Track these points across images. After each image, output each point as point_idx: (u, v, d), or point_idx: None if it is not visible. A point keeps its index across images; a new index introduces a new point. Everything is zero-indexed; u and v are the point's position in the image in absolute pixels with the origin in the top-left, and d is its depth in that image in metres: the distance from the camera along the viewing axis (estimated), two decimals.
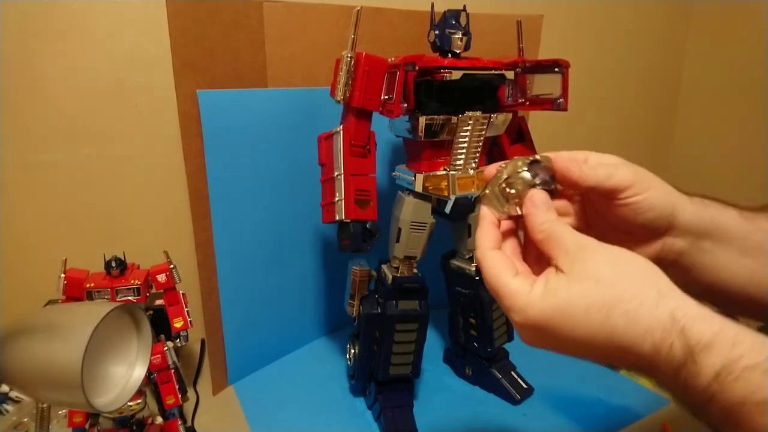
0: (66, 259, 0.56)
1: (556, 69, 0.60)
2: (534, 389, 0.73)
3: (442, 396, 0.73)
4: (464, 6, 0.61)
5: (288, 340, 0.82)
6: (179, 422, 0.63)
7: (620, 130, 1.21)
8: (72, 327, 0.38)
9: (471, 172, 0.63)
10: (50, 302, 0.66)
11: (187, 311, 0.61)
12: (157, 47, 0.67)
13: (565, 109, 0.61)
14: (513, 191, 0.34)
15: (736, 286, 0.37)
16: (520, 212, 0.34)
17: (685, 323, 0.26)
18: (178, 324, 0.61)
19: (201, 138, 0.62)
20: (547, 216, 0.33)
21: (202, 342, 0.81)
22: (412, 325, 0.65)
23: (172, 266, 0.59)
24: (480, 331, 0.72)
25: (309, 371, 0.78)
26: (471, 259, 0.70)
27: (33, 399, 0.57)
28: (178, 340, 0.61)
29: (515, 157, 0.36)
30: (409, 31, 0.76)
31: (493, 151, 0.69)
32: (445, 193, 0.61)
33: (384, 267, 0.67)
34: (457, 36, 0.60)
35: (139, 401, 0.57)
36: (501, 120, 0.63)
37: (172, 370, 0.60)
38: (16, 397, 0.66)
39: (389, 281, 0.64)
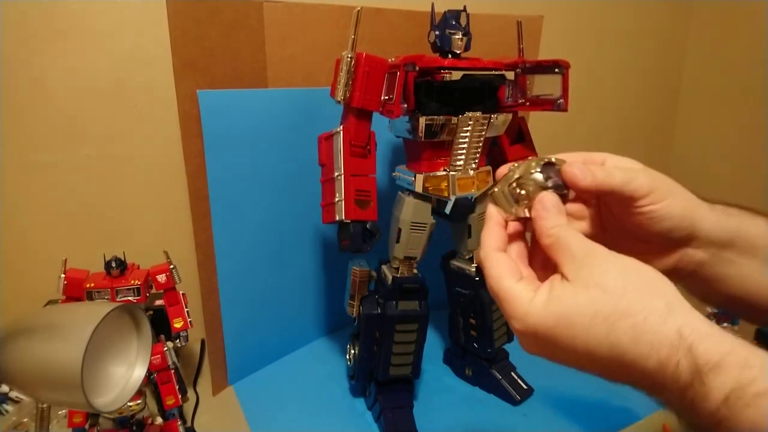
0: (66, 259, 0.56)
1: (557, 69, 0.60)
2: (534, 390, 0.73)
3: (442, 397, 0.73)
4: (464, 6, 0.61)
5: (288, 340, 0.82)
6: (179, 422, 0.63)
7: (620, 130, 1.21)
8: (72, 327, 0.38)
9: (471, 172, 0.63)
10: (50, 302, 0.66)
11: (187, 311, 0.62)
12: (157, 47, 0.67)
13: (566, 110, 0.61)
14: (523, 192, 0.33)
15: (760, 297, 0.35)
16: (528, 214, 0.33)
17: (693, 341, 0.25)
18: (178, 324, 0.61)
19: (201, 138, 0.62)
20: (556, 220, 0.31)
21: (202, 342, 0.81)
22: (412, 326, 0.65)
23: (172, 266, 0.59)
24: (480, 332, 0.72)
25: (309, 371, 0.78)
26: (471, 260, 0.70)
27: (33, 399, 0.57)
28: (178, 341, 0.62)
29: (529, 158, 0.34)
30: (409, 31, 0.76)
31: (493, 152, 0.69)
32: (445, 194, 0.61)
33: (384, 267, 0.67)
34: (457, 36, 0.60)
35: (139, 401, 0.57)
36: (501, 120, 0.63)
37: (172, 371, 0.61)
38: (16, 397, 0.65)
39: (389, 282, 0.64)
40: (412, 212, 0.62)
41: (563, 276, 0.29)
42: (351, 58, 0.55)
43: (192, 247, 0.67)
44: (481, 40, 0.63)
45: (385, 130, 0.64)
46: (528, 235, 0.35)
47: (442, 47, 0.61)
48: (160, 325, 0.60)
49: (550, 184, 0.33)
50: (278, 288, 0.77)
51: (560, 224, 0.31)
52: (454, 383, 0.77)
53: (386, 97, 0.57)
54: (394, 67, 0.56)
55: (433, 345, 0.83)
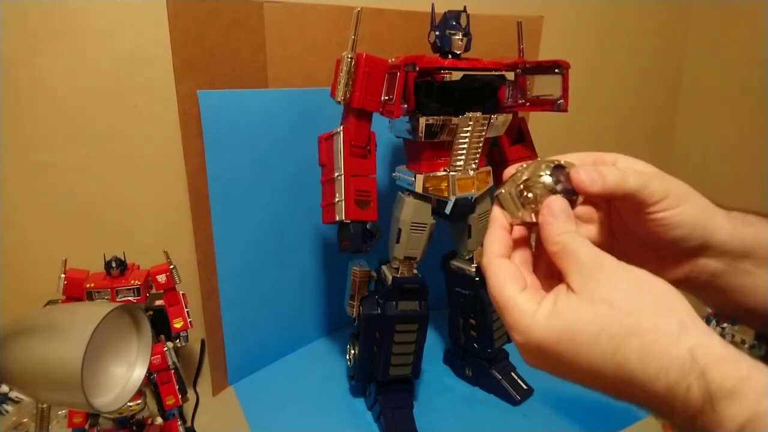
0: (66, 259, 0.56)
1: (557, 70, 0.60)
2: (534, 390, 0.73)
3: (442, 397, 0.73)
4: (464, 7, 0.61)
5: (288, 340, 0.82)
6: (179, 422, 0.63)
7: (620, 130, 1.21)
8: (72, 327, 0.38)
9: (471, 172, 0.63)
10: (50, 302, 0.66)
11: (187, 311, 0.62)
12: (157, 47, 0.67)
13: (566, 110, 0.61)
14: (530, 195, 0.31)
15: None
16: (535, 219, 0.31)
17: (707, 364, 0.23)
18: (178, 324, 0.61)
19: (201, 138, 0.63)
20: (564, 227, 0.30)
21: (202, 342, 0.81)
22: (412, 326, 0.65)
23: (172, 266, 0.60)
24: (480, 332, 0.72)
25: (309, 372, 0.78)
26: (471, 260, 0.70)
27: (33, 399, 0.57)
28: (178, 341, 0.62)
29: (538, 159, 0.33)
30: (410, 31, 0.76)
31: (493, 152, 0.69)
32: (446, 194, 0.61)
33: (384, 268, 0.67)
34: (457, 37, 0.60)
35: (139, 401, 0.57)
36: (501, 121, 0.63)
37: (172, 371, 0.61)
38: (16, 397, 0.66)
39: (389, 282, 0.64)
40: (412, 212, 0.62)
41: (569, 287, 0.28)
42: (351, 58, 0.55)
43: (192, 247, 0.67)
44: (481, 41, 0.63)
45: (385, 131, 0.64)
46: (533, 239, 0.33)
47: (442, 48, 0.61)
48: (160, 325, 0.60)
49: (559, 188, 0.31)
50: (278, 288, 0.77)
51: (568, 231, 0.30)
52: (454, 383, 0.77)
53: (386, 98, 0.57)
54: (395, 68, 0.56)
55: (433, 345, 0.83)
